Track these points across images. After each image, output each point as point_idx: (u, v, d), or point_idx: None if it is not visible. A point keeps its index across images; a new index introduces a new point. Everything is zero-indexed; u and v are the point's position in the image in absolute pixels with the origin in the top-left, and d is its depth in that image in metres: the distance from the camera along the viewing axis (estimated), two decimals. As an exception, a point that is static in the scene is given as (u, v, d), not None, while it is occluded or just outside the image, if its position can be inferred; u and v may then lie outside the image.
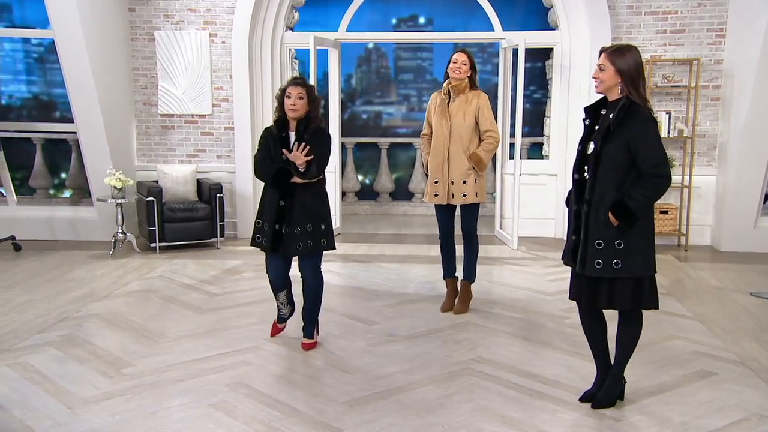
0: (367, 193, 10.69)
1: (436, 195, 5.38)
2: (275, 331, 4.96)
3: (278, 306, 4.86)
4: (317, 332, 4.84)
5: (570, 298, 3.80)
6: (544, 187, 8.47)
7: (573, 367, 4.40)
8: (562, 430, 3.55)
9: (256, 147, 4.71)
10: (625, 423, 3.64)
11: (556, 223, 8.45)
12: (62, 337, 4.96)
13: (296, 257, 4.66)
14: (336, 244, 4.74)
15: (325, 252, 4.65)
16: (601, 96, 3.69)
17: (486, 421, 3.66)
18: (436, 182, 5.36)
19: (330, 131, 4.73)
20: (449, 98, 5.35)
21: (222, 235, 8.05)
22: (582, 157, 3.62)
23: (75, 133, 8.18)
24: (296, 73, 9.21)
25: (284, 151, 4.38)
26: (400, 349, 4.76)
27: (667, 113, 7.89)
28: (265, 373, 4.33)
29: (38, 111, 10.36)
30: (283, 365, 4.49)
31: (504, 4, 8.58)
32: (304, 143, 4.33)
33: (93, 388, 4.10)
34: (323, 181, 4.61)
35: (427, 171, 5.48)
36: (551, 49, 8.53)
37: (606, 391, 3.78)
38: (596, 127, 3.61)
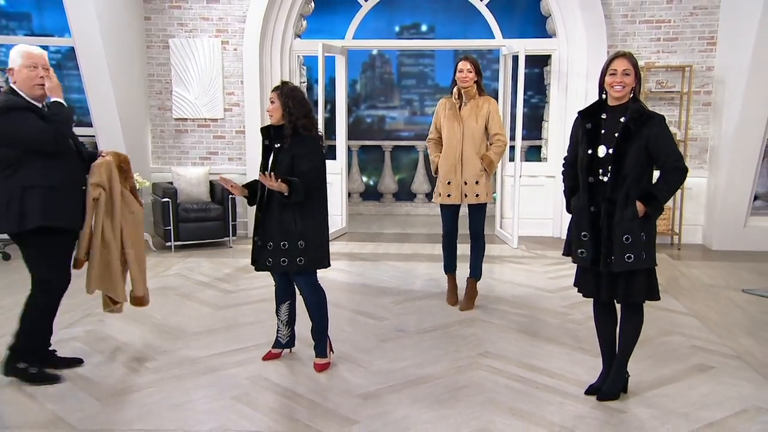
0: (371, 193, 10.71)
1: (449, 195, 5.42)
2: (269, 356, 4.47)
3: (278, 326, 4.47)
4: (331, 350, 4.41)
5: (585, 295, 3.79)
6: (542, 188, 8.50)
7: (576, 361, 4.43)
8: (569, 422, 3.57)
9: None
10: (629, 414, 3.67)
11: (553, 222, 8.48)
12: (87, 332, 4.98)
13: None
14: (337, 249, 4.49)
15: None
16: (595, 100, 3.73)
17: (496, 413, 3.68)
18: (449, 183, 5.39)
19: (319, 137, 4.13)
20: (460, 103, 5.39)
21: (234, 235, 8.07)
22: (592, 161, 3.60)
23: (93, 136, 8.18)
24: (304, 79, 9.24)
25: (259, 175, 4.01)
26: (409, 344, 4.79)
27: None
28: (282, 368, 4.34)
29: (56, 115, 10.34)
30: (298, 360, 4.49)
31: (503, 13, 8.59)
32: (270, 172, 3.94)
33: (119, 381, 4.13)
34: (314, 197, 4.09)
35: (436, 173, 5.50)
36: (549, 56, 8.57)
37: (611, 384, 3.81)
38: (602, 131, 3.60)
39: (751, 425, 3.56)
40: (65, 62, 10.28)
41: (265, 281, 6.35)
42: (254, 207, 4.27)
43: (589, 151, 3.61)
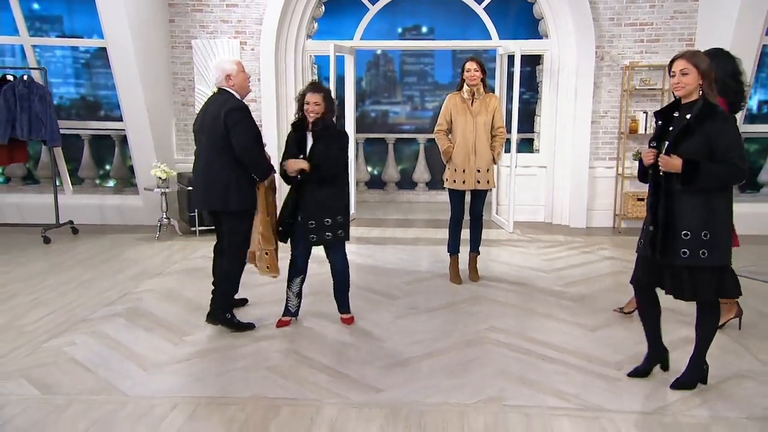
0: (375, 182, 10.72)
1: (463, 182, 5.55)
2: (281, 324, 4.69)
3: (288, 297, 4.71)
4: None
5: (636, 283, 3.67)
6: (535, 177, 8.54)
7: (575, 335, 4.51)
8: (575, 390, 3.65)
9: (283, 144, 4.73)
10: (625, 381, 3.74)
11: (545, 209, 8.54)
12: (128, 309, 5.03)
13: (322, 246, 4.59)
14: (351, 229, 4.75)
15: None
16: (673, 99, 3.53)
17: (507, 382, 3.75)
18: (464, 171, 5.52)
19: (345, 128, 4.68)
20: (472, 99, 5.49)
21: (253, 220, 8.10)
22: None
23: (123, 130, 8.20)
24: (315, 77, 9.22)
25: (288, 162, 4.39)
26: (422, 320, 4.85)
27: (644, 112, 7.98)
28: (309, 341, 4.40)
29: (85, 110, 10.35)
30: (323, 335, 4.55)
31: (499, 15, 8.59)
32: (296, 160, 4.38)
33: (162, 353, 4.19)
34: (340, 176, 4.49)
35: (448, 160, 5.62)
36: (540, 56, 8.59)
37: (688, 374, 3.64)
38: (670, 128, 3.46)
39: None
40: (93, 61, 10.25)
41: (284, 263, 6.37)
42: (281, 198, 4.56)
43: (654, 146, 3.50)
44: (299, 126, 4.46)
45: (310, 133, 4.42)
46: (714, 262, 3.35)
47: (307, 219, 4.41)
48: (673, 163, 3.32)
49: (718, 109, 3.33)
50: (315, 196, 4.38)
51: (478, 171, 5.51)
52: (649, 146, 3.55)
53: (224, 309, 4.61)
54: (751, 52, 7.33)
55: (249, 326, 4.64)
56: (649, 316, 3.73)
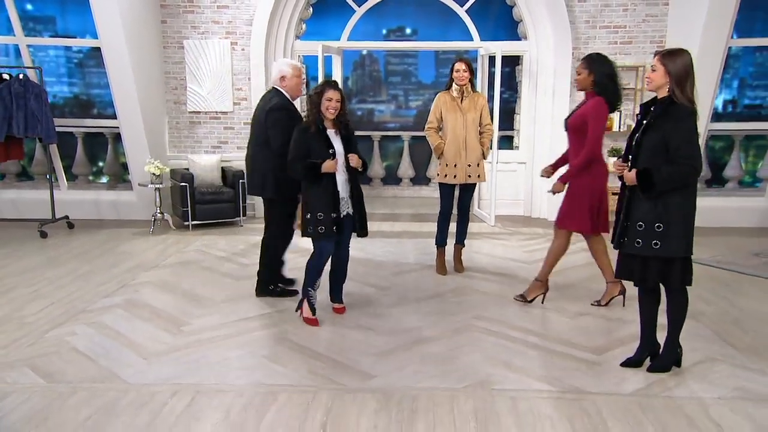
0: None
1: (455, 176, 5.59)
2: (316, 322, 4.51)
3: (312, 295, 4.53)
4: None
5: (616, 277, 3.75)
6: (515, 173, 8.61)
7: (555, 322, 4.57)
8: (557, 374, 3.70)
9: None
10: (604, 366, 3.81)
11: (525, 203, 8.62)
12: (126, 301, 5.01)
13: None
14: None
15: None
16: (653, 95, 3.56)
17: (494, 367, 3.79)
18: (455, 165, 5.57)
19: None
20: (461, 97, 5.54)
21: (244, 215, 8.07)
22: (629, 149, 3.56)
23: (117, 127, 8.12)
24: (304, 76, 9.20)
25: (350, 157, 4.36)
26: (411, 309, 4.87)
27: (618, 111, 8.06)
28: (302, 331, 4.40)
29: (78, 108, 10.22)
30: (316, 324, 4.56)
31: (480, 18, 8.61)
32: (355, 154, 4.40)
33: (160, 342, 4.17)
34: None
35: (439, 156, 5.65)
36: (520, 57, 8.64)
37: (663, 358, 3.71)
38: (644, 121, 3.51)
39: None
40: (86, 61, 10.13)
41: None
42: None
43: (630, 139, 3.58)
44: (319, 123, 4.30)
45: (333, 130, 4.35)
46: (667, 254, 3.41)
47: (355, 212, 4.47)
48: (629, 177, 3.46)
49: (680, 107, 3.34)
50: (357, 190, 4.48)
51: (469, 165, 5.57)
52: (627, 140, 3.62)
53: (268, 281, 5.04)
54: (717, 54, 7.45)
55: (292, 293, 5.03)
56: (645, 307, 3.74)
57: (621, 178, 3.58)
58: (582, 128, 4.53)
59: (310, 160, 4.25)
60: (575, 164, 4.59)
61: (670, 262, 3.46)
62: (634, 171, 3.44)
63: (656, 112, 3.43)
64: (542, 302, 4.94)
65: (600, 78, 4.50)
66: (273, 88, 4.86)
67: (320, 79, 7.81)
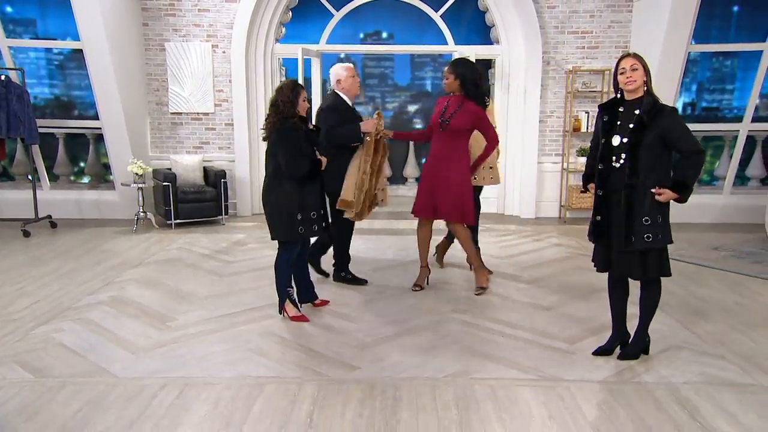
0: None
1: None
2: (304, 318, 4.48)
3: (290, 292, 4.51)
4: None
5: (599, 270, 3.74)
6: (487, 172, 8.66)
7: (531, 314, 4.62)
8: (533, 362, 3.74)
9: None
10: (578, 354, 3.87)
11: (497, 201, 8.69)
12: (111, 298, 4.94)
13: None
14: None
15: None
16: (614, 96, 3.59)
17: (472, 358, 3.81)
18: None
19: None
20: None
21: (226, 214, 8.01)
22: (608, 149, 3.52)
23: (99, 128, 8.00)
24: (284, 78, 9.16)
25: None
26: (392, 303, 4.88)
27: (586, 112, 8.19)
28: (286, 325, 4.38)
29: (59, 110, 10.03)
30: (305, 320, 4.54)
31: (454, 22, 8.67)
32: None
33: (147, 337, 4.12)
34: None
35: None
36: (492, 60, 8.71)
37: (632, 347, 3.77)
38: (618, 123, 3.50)
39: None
40: (67, 63, 9.94)
41: (258, 253, 6.40)
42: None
43: (603, 141, 3.54)
44: (304, 122, 4.32)
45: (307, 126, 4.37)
46: (664, 243, 3.50)
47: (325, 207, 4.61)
48: (670, 195, 3.42)
49: (665, 106, 3.44)
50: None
51: None
52: (600, 141, 3.58)
53: (339, 268, 5.32)
54: (678, 58, 7.60)
55: (362, 281, 5.30)
56: (616, 300, 3.79)
57: (625, 190, 3.46)
58: (465, 131, 4.88)
59: (313, 157, 4.32)
60: (484, 156, 5.06)
61: (657, 253, 3.51)
62: (669, 192, 3.40)
63: (647, 110, 3.40)
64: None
65: (464, 82, 4.81)
66: (332, 90, 5.12)
67: (300, 82, 7.78)
